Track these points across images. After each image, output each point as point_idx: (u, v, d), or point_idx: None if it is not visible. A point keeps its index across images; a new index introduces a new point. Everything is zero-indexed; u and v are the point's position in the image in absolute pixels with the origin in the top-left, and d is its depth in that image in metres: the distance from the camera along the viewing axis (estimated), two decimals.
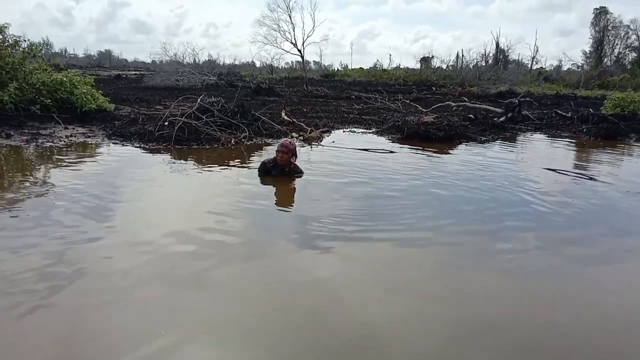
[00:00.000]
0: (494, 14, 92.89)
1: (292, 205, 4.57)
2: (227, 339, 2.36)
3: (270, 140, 8.40)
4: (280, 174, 5.40)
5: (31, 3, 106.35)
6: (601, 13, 42.80)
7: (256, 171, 5.53)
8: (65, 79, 9.45)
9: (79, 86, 9.64)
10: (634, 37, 41.88)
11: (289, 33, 29.99)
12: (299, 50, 30.42)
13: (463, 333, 2.45)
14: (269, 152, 7.55)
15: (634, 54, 42.21)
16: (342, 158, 6.99)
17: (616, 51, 43.39)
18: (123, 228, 3.78)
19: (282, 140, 5.81)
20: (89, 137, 8.15)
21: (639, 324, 2.65)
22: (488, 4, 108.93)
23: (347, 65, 54.58)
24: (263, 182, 5.31)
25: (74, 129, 8.71)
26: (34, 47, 9.92)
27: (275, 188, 5.12)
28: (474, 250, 3.62)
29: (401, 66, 48.15)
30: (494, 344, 2.37)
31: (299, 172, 5.60)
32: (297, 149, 5.62)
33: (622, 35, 42.66)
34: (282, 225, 4.01)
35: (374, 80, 35.39)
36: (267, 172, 5.44)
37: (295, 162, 5.53)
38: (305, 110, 13.36)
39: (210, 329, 2.41)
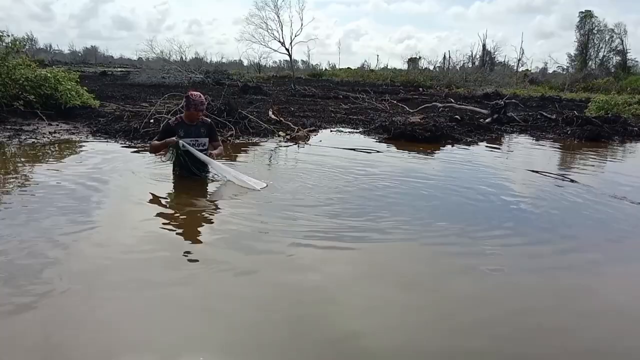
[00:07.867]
0: (474, 15, 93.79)
1: (279, 205, 4.54)
2: (218, 347, 2.36)
3: (257, 139, 8.37)
4: (195, 135, 4.90)
5: None
6: (586, 17, 43.51)
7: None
8: (49, 74, 9.30)
9: (63, 82, 9.48)
10: (618, 40, 42.71)
11: (277, 32, 29.98)
12: (287, 49, 30.42)
13: (461, 341, 2.47)
14: (256, 151, 7.57)
15: (618, 58, 43.06)
16: (329, 157, 6.99)
17: (601, 54, 44.21)
18: (104, 230, 3.68)
19: (191, 92, 4.96)
20: (73, 133, 8.04)
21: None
22: (468, 5, 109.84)
23: (334, 65, 54.77)
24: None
25: (57, 125, 8.59)
26: (17, 42, 9.75)
27: (262, 185, 5.10)
28: (463, 252, 3.65)
29: (389, 67, 48.50)
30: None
31: (212, 128, 5.13)
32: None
33: (607, 38, 43.47)
34: (272, 228, 3.98)
35: (361, 80, 35.51)
36: (173, 133, 4.83)
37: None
38: (292, 109, 13.36)
39: (201, 340, 2.40)
